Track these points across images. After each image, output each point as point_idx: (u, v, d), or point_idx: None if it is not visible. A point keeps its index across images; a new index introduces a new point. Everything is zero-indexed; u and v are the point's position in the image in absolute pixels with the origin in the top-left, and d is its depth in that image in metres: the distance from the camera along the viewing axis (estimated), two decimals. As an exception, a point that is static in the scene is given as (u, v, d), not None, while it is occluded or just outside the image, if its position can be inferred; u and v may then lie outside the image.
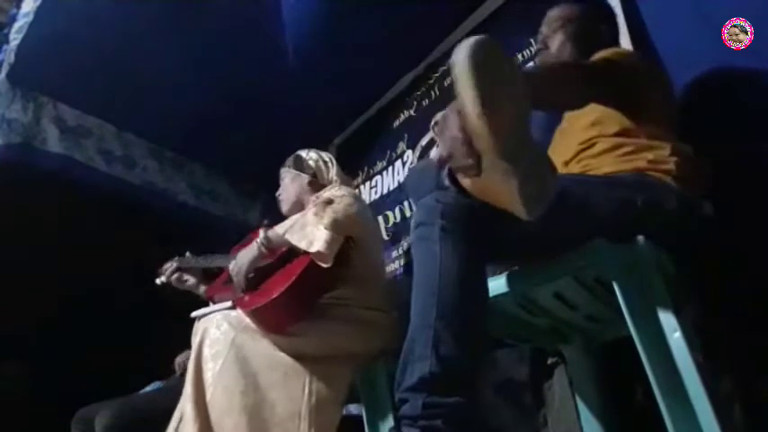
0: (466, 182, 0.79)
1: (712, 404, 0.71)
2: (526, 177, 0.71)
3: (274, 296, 1.24)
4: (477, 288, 0.84)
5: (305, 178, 1.71)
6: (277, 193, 1.78)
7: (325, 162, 1.76)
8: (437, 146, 0.79)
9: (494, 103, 0.68)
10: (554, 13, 1.36)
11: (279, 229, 1.40)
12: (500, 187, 0.73)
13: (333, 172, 1.74)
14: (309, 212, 1.37)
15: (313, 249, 1.26)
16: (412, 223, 0.89)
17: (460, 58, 0.68)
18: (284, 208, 1.74)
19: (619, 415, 1.19)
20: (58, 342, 2.87)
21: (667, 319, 0.78)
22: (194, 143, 2.92)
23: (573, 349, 1.26)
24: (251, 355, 1.23)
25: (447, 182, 0.87)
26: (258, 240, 1.37)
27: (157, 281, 1.77)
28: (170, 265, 1.74)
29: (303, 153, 1.78)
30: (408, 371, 0.76)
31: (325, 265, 1.27)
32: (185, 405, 1.20)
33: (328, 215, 1.32)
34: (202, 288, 1.73)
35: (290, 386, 1.21)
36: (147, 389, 2.02)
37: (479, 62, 0.68)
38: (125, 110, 2.67)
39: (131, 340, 2.85)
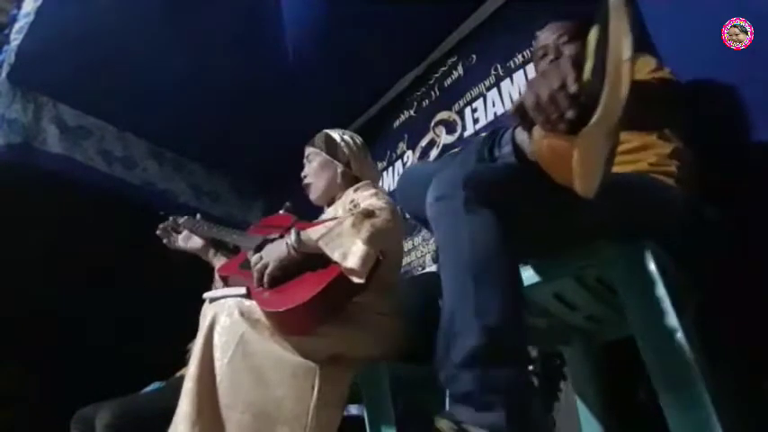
0: (544, 141, 0.74)
1: (714, 404, 0.71)
2: (613, 148, 0.69)
3: (300, 302, 1.19)
4: (510, 255, 0.78)
5: (338, 167, 1.60)
6: (303, 174, 1.65)
7: (360, 149, 1.66)
8: (524, 93, 0.74)
9: (636, 56, 0.66)
10: (561, 24, 1.34)
11: (312, 233, 1.30)
12: (589, 151, 0.69)
13: (367, 163, 1.65)
14: (347, 222, 1.28)
15: (347, 265, 1.20)
16: (429, 198, 0.82)
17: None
18: (313, 195, 1.65)
19: (619, 415, 1.19)
20: (58, 342, 2.87)
21: (670, 320, 0.78)
22: (194, 143, 2.93)
23: (573, 349, 1.26)
24: (258, 352, 1.21)
25: (509, 136, 0.83)
26: (289, 242, 1.29)
27: (158, 232, 1.68)
28: (177, 220, 1.65)
29: (336, 136, 1.65)
30: (452, 346, 0.71)
31: (357, 281, 1.21)
32: (182, 402, 1.18)
33: (367, 230, 1.25)
34: (211, 253, 1.64)
35: (298, 385, 1.19)
36: (147, 389, 2.01)
37: (632, 12, 0.66)
38: (125, 110, 2.67)
39: (132, 340, 2.85)
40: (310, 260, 1.30)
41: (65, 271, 2.81)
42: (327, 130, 1.68)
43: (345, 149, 1.62)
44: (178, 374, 1.99)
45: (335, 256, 1.23)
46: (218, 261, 1.64)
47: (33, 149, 2.47)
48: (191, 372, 1.20)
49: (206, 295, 1.38)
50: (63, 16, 2.14)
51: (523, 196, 0.82)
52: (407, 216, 2.29)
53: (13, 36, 2.30)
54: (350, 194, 1.53)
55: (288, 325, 1.24)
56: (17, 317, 2.65)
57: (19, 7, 2.28)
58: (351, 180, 1.60)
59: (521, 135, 0.83)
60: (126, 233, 3.00)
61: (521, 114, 0.76)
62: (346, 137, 1.66)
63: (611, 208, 0.86)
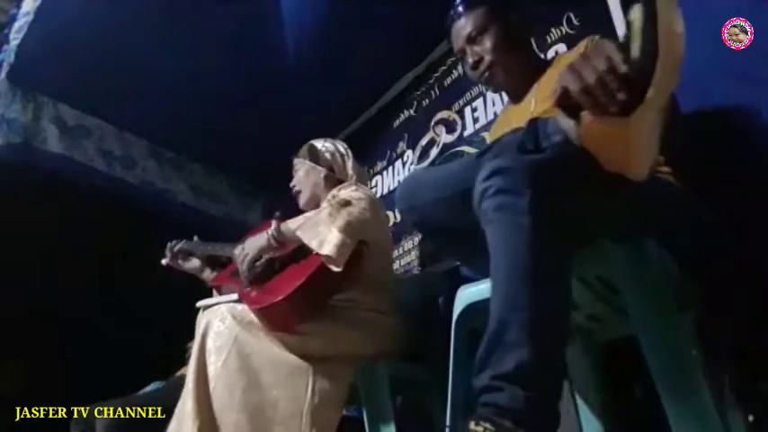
0: (594, 126, 0.72)
1: (715, 404, 0.71)
2: (661, 130, 0.68)
3: (282, 296, 1.22)
4: (569, 268, 0.75)
5: (321, 172, 1.66)
6: (291, 185, 1.73)
7: (341, 154, 1.71)
8: (563, 82, 0.70)
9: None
10: (465, 22, 1.30)
11: (291, 224, 1.35)
12: (645, 130, 0.67)
13: (349, 165, 1.69)
14: (324, 211, 1.33)
15: (323, 252, 1.23)
16: (482, 187, 0.76)
17: None
18: (301, 202, 1.70)
19: (619, 415, 1.19)
20: (58, 342, 2.87)
21: (672, 319, 0.78)
22: (194, 143, 2.93)
23: (573, 349, 1.25)
24: (253, 353, 1.23)
25: (556, 124, 0.80)
26: (269, 231, 1.34)
27: (163, 261, 1.76)
28: (175, 246, 1.73)
29: (318, 144, 1.73)
30: (498, 356, 0.67)
31: (335, 269, 1.23)
32: (185, 401, 1.19)
33: (342, 217, 1.28)
34: (207, 272, 1.70)
35: (293, 385, 1.20)
36: (147, 389, 2.02)
37: None
38: (125, 110, 2.67)
39: (132, 340, 2.85)
40: (293, 257, 1.34)
41: (65, 270, 2.81)
42: (312, 141, 1.75)
43: (327, 155, 1.69)
44: (178, 374, 1.99)
45: (313, 245, 1.25)
46: None
47: (33, 149, 2.47)
48: (189, 377, 1.22)
49: (199, 304, 1.42)
50: (63, 16, 2.13)
51: (580, 194, 0.79)
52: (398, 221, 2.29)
53: (12, 36, 2.29)
54: (333, 193, 1.57)
55: (275, 321, 1.25)
56: (17, 316, 2.65)
57: (19, 7, 2.27)
58: (334, 183, 1.64)
59: (565, 122, 0.80)
60: (126, 232, 3.00)
61: (564, 101, 0.73)
62: (327, 143, 1.73)
63: (625, 205, 0.84)
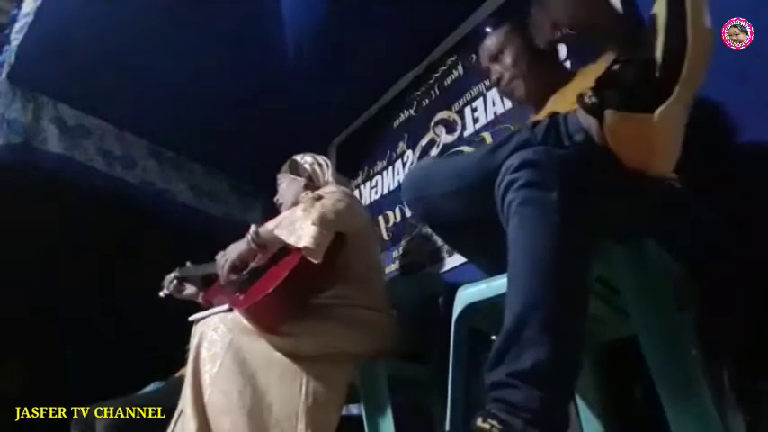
0: (620, 123, 0.71)
1: (715, 404, 0.71)
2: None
3: (266, 293, 1.24)
4: (589, 267, 0.74)
5: (301, 182, 1.73)
6: (275, 199, 1.80)
7: (320, 165, 1.77)
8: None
9: None
10: (488, 42, 1.35)
11: (269, 224, 1.41)
12: (672, 125, 0.66)
13: (328, 174, 1.75)
14: (298, 208, 1.37)
15: (301, 244, 1.26)
16: (509, 178, 0.74)
17: None
18: (282, 211, 1.75)
19: (619, 415, 1.19)
20: (58, 342, 2.87)
21: (672, 319, 0.78)
22: (194, 143, 2.93)
23: (573, 349, 1.25)
24: (248, 356, 1.23)
25: (577, 123, 0.79)
26: (248, 236, 1.39)
27: (161, 293, 1.83)
28: (171, 277, 1.81)
29: (298, 157, 1.81)
30: (515, 353, 0.66)
31: (314, 261, 1.27)
32: (185, 406, 1.20)
33: (316, 210, 1.32)
34: (202, 296, 1.77)
35: (287, 386, 1.21)
36: (147, 389, 2.01)
37: None
38: (125, 110, 2.67)
39: (131, 340, 2.85)
40: (275, 258, 1.38)
41: (65, 271, 2.81)
42: (294, 156, 1.83)
43: (306, 165, 1.77)
44: (177, 374, 1.99)
45: (291, 241, 1.29)
46: None
47: (33, 149, 2.46)
48: (186, 384, 1.24)
49: (192, 318, 1.45)
50: (63, 16, 2.13)
51: (604, 192, 0.78)
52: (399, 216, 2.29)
53: (13, 36, 2.29)
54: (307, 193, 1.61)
55: (261, 320, 1.27)
56: (17, 316, 2.65)
57: (19, 7, 2.27)
58: (314, 191, 1.67)
59: (586, 120, 0.79)
60: (126, 233, 3.01)
61: (583, 99, 0.72)
62: (307, 157, 1.81)
63: (627, 205, 0.84)
